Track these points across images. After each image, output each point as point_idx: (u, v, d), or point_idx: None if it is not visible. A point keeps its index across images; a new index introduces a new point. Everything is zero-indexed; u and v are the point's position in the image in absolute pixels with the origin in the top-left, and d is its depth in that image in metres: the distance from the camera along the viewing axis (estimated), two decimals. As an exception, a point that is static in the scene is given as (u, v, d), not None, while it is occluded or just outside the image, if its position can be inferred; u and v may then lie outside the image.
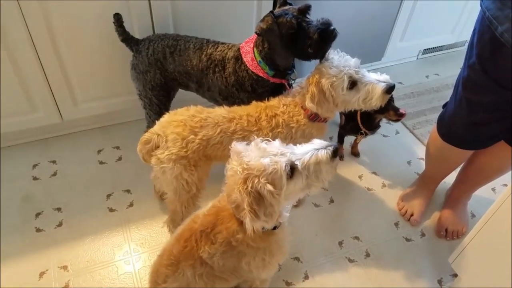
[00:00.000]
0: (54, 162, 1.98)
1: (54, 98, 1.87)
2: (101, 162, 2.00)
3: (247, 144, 1.10)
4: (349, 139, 2.13)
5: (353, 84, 1.42)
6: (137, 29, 1.78)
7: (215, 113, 1.48)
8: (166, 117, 1.48)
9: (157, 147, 1.45)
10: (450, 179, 1.89)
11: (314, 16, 2.01)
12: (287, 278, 1.64)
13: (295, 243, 1.75)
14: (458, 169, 1.84)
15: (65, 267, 1.62)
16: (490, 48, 1.24)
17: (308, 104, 1.46)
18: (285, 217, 1.19)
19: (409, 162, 2.12)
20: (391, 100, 1.73)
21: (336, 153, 1.07)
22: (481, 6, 1.25)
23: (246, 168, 1.02)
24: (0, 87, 1.74)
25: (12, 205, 1.80)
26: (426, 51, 2.72)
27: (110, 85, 1.94)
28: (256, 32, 1.46)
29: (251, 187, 1.00)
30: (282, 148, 1.06)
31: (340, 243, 1.77)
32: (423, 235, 1.82)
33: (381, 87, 1.40)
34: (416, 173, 2.05)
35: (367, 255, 1.73)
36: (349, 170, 2.06)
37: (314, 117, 1.52)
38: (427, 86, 2.52)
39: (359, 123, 1.86)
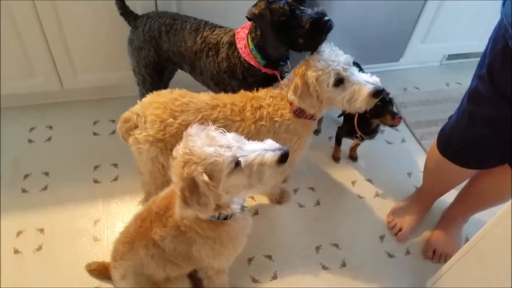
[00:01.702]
0: (50, 127, 2.02)
1: (56, 66, 1.89)
2: (95, 133, 2.01)
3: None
4: (348, 142, 2.04)
5: (339, 81, 1.33)
6: (140, 4, 1.75)
7: (198, 98, 1.44)
8: (148, 98, 1.45)
9: (136, 127, 1.43)
10: (450, 198, 1.78)
11: (331, 9, 1.93)
12: (255, 275, 1.61)
13: (270, 240, 1.71)
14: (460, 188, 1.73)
15: (41, 230, 1.66)
16: (501, 58, 1.15)
17: (290, 96, 1.40)
18: (234, 209, 1.15)
19: (409, 174, 2.01)
20: (389, 103, 1.63)
21: (285, 159, 1.01)
22: (501, 12, 1.15)
23: (188, 152, 1.00)
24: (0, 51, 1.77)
25: (4, 164, 1.85)
26: (451, 57, 2.53)
27: (110, 59, 1.93)
28: (246, 17, 1.40)
29: (187, 173, 0.98)
30: (232, 141, 1.01)
31: (318, 248, 1.70)
32: (408, 253, 1.73)
33: (367, 89, 1.31)
34: (415, 186, 1.94)
35: (343, 264, 1.67)
36: (343, 174, 1.98)
37: (299, 113, 1.45)
38: (446, 95, 2.37)
39: (355, 126, 1.77)
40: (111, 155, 1.92)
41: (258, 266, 1.63)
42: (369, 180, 1.97)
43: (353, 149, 2.01)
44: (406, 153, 2.09)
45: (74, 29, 1.79)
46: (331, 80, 1.32)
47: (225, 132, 1.06)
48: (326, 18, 1.33)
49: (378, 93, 1.33)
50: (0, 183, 1.77)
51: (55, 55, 1.85)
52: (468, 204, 1.67)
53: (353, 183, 1.95)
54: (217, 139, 1.02)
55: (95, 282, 1.53)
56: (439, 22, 2.21)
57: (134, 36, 1.68)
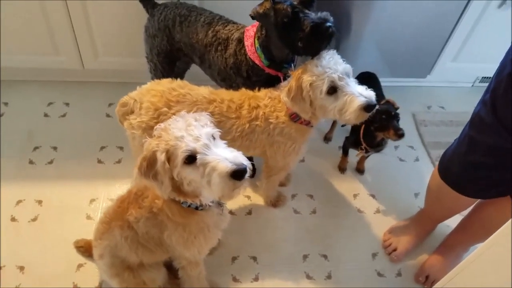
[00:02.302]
0: (67, 104, 2.09)
1: (78, 46, 1.96)
2: (108, 115, 2.06)
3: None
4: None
5: (333, 90, 1.29)
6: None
7: (197, 91, 1.44)
8: (148, 85, 1.47)
9: (132, 112, 1.45)
10: (455, 224, 1.68)
11: (365, 15, 1.87)
12: (236, 274, 1.60)
13: (258, 242, 1.69)
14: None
15: (40, 202, 1.72)
16: (505, 85, 1.10)
17: (283, 97, 1.38)
18: (204, 201, 1.15)
19: (416, 195, 1.91)
20: (394, 118, 1.57)
21: (237, 175, 0.97)
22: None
23: (163, 129, 1.04)
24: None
25: (17, 134, 1.94)
26: (486, 79, 2.39)
27: (130, 45, 1.97)
28: (250, 15, 1.38)
29: (152, 147, 1.02)
30: (203, 136, 1.01)
31: (305, 256, 1.67)
32: (399, 274, 1.66)
33: (359, 101, 1.26)
34: (420, 208, 1.83)
35: (329, 277, 1.62)
36: (346, 185, 1.92)
37: (295, 117, 1.42)
38: (471, 118, 2.23)
39: (360, 137, 1.71)
40: (118, 138, 1.95)
41: (242, 266, 1.62)
42: (373, 195, 1.90)
43: (360, 161, 1.95)
44: (417, 172, 1.99)
45: (97, 12, 1.85)
46: (325, 87, 1.28)
47: (208, 125, 1.07)
48: (328, 24, 1.29)
49: (370, 108, 1.27)
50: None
51: (78, 36, 1.92)
52: (468, 233, 1.57)
53: (355, 196, 1.88)
54: (192, 128, 1.03)
55: (81, 259, 1.57)
56: (473, 40, 2.09)
57: (150, 24, 1.71)
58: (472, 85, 2.45)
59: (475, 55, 2.17)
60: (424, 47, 2.06)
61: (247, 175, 0.99)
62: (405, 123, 2.19)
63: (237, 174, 0.97)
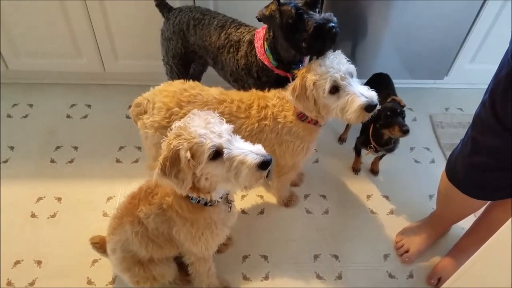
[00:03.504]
0: (89, 106, 2.18)
1: (99, 50, 2.05)
2: (127, 116, 2.13)
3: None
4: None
5: (335, 89, 1.31)
6: (179, -1, 1.84)
7: (208, 92, 1.48)
8: (161, 86, 1.51)
9: (146, 112, 1.50)
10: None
11: (382, 17, 1.87)
12: (247, 273, 1.61)
13: (269, 241, 1.71)
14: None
15: (59, 199, 1.79)
16: (504, 85, 1.10)
17: (288, 96, 1.40)
18: (214, 197, 1.18)
19: (430, 197, 1.89)
20: (399, 115, 1.57)
21: (264, 166, 1.03)
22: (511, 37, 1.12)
23: (182, 127, 1.06)
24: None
25: (40, 134, 2.03)
26: (506, 80, 2.34)
27: (149, 48, 2.04)
28: (256, 17, 1.42)
29: (174, 145, 1.04)
30: (224, 132, 1.06)
31: (316, 256, 1.67)
32: (410, 276, 1.64)
33: (360, 101, 1.27)
34: (433, 209, 1.82)
35: (339, 277, 1.62)
36: (360, 186, 1.91)
37: (302, 116, 1.44)
38: (490, 120, 2.19)
39: (369, 136, 1.71)
40: (137, 139, 1.98)
41: (252, 264, 1.64)
42: (386, 197, 1.88)
43: (374, 162, 1.94)
44: (432, 174, 1.96)
45: (117, 17, 1.93)
46: (327, 86, 1.30)
47: (223, 122, 1.11)
48: (331, 24, 1.31)
49: (370, 108, 1.28)
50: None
51: (99, 39, 2.01)
52: (478, 236, 1.54)
53: (368, 197, 1.88)
54: (212, 125, 1.07)
55: (96, 255, 1.61)
56: (491, 41, 2.06)
57: (165, 27, 1.77)
58: (493, 87, 2.39)
59: (494, 56, 2.11)
60: (441, 49, 2.04)
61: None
62: (421, 124, 2.19)
63: (264, 165, 1.03)
